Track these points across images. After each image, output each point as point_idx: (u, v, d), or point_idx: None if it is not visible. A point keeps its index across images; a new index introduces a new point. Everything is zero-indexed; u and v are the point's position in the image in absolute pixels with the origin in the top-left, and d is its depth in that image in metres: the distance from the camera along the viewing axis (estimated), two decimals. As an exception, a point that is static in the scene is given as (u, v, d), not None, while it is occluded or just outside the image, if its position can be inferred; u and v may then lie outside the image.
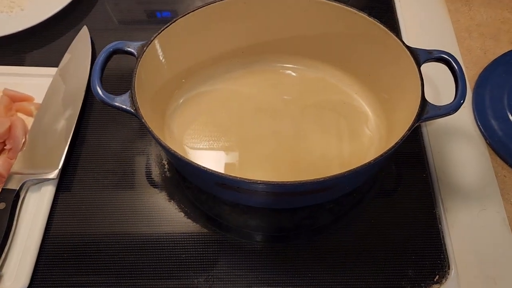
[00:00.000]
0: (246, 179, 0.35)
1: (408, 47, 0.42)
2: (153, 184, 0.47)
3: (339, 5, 0.45)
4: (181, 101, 0.50)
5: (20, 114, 0.50)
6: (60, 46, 0.56)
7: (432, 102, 0.39)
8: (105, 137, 0.49)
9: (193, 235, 0.44)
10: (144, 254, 0.43)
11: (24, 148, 0.46)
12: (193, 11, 0.44)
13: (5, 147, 0.47)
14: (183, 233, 0.44)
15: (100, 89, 0.40)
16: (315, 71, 0.52)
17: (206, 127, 0.48)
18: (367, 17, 0.44)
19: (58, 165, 0.45)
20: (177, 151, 0.45)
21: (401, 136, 0.37)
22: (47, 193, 0.45)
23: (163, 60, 0.45)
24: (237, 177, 0.35)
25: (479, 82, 0.51)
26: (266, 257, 0.42)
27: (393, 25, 0.57)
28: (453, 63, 0.40)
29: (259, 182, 0.35)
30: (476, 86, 0.51)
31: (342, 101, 0.50)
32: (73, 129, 0.48)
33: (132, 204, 0.45)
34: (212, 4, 0.45)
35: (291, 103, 0.50)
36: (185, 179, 0.47)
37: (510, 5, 0.57)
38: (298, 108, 0.50)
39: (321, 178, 0.35)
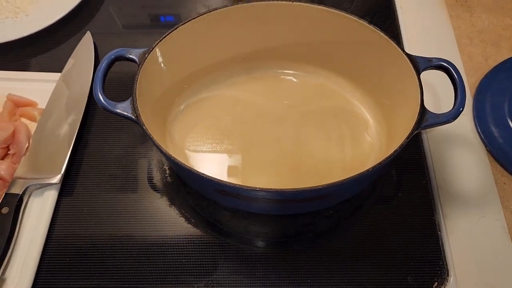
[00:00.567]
0: (245, 186, 0.35)
1: (408, 55, 0.42)
2: (154, 189, 0.47)
3: (340, 12, 0.45)
4: (182, 107, 0.50)
5: (23, 119, 0.50)
6: (64, 51, 0.56)
7: (432, 109, 0.39)
8: (107, 142, 0.50)
9: (193, 240, 0.44)
10: (145, 259, 0.43)
11: (27, 153, 0.47)
12: (194, 18, 0.45)
13: (8, 152, 0.47)
14: (184, 238, 0.44)
15: (102, 96, 0.40)
16: (316, 77, 0.52)
17: (208, 133, 0.49)
18: (367, 24, 0.44)
19: (61, 170, 0.46)
20: (178, 156, 0.46)
21: (400, 144, 0.37)
22: (50, 197, 0.45)
23: (164, 67, 0.46)
24: (236, 184, 0.36)
25: (479, 89, 0.51)
26: (266, 263, 0.43)
27: (394, 31, 0.57)
28: (453, 71, 0.41)
29: (258, 189, 0.35)
30: (477, 93, 0.51)
31: (343, 107, 0.50)
32: (75, 134, 0.48)
33: (133, 208, 0.46)
34: (213, 12, 0.45)
35: (292, 109, 0.50)
36: (186, 185, 0.47)
37: (512, 12, 0.57)
38: (299, 114, 0.50)
39: (320, 185, 0.35)
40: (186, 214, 0.46)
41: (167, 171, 0.48)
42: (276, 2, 0.46)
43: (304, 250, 0.43)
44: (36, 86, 0.53)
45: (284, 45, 0.50)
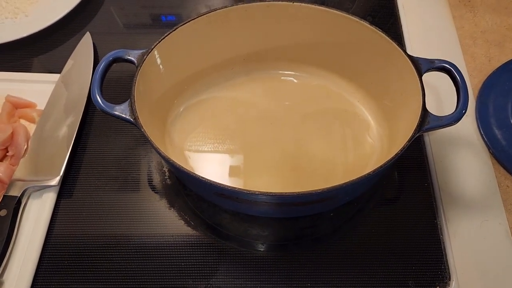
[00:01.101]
0: (244, 190, 0.35)
1: (409, 56, 0.41)
2: (153, 191, 0.47)
3: (341, 13, 0.45)
4: (182, 108, 0.50)
5: (22, 121, 0.50)
6: (64, 52, 0.56)
7: (435, 111, 0.39)
8: (106, 143, 0.50)
9: (193, 243, 0.44)
10: (144, 261, 0.43)
11: (26, 155, 0.46)
12: (193, 19, 0.44)
13: (7, 154, 0.47)
14: (183, 241, 0.44)
15: (100, 98, 0.40)
16: (317, 78, 0.51)
17: (207, 134, 0.48)
18: (368, 25, 0.44)
19: (60, 172, 0.46)
20: (177, 158, 0.46)
21: (401, 146, 0.37)
22: (49, 199, 0.45)
23: (163, 68, 0.45)
24: (235, 188, 0.35)
25: (482, 90, 0.50)
26: (266, 266, 0.42)
27: (396, 31, 0.57)
28: (455, 73, 0.40)
29: (257, 193, 0.35)
30: (480, 94, 0.50)
31: (344, 109, 0.50)
32: (74, 135, 0.48)
33: (132, 211, 0.46)
34: (212, 12, 0.45)
35: (293, 111, 0.50)
36: (185, 187, 0.47)
37: (516, 12, 0.56)
38: (299, 115, 0.50)
39: (320, 189, 0.35)
40: (186, 217, 0.45)
41: (167, 173, 0.48)
42: (277, 2, 0.46)
43: (305, 254, 0.43)
44: (35, 87, 0.52)
45: (285, 46, 0.50)
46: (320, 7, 0.45)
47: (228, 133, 0.48)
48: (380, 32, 0.43)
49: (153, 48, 0.43)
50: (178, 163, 0.37)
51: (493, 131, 0.48)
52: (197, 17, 0.45)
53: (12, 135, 0.47)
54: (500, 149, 0.47)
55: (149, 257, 0.43)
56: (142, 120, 0.39)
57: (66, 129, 0.48)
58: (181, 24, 0.44)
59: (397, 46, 0.42)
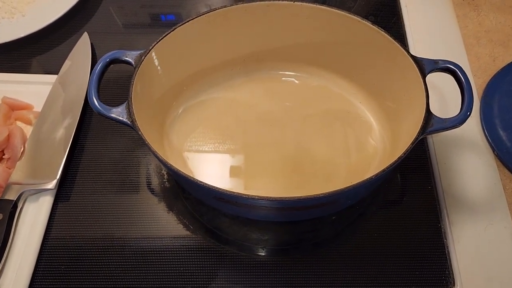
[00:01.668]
0: (243, 194, 0.34)
1: (413, 57, 0.40)
2: (152, 194, 0.46)
3: (342, 12, 0.44)
4: (181, 109, 0.49)
5: (19, 123, 0.49)
6: (61, 53, 0.55)
7: (439, 112, 0.38)
8: (104, 146, 0.49)
9: (192, 247, 0.43)
10: (143, 266, 0.42)
11: (23, 158, 0.46)
12: (192, 19, 0.44)
13: (3, 157, 0.46)
14: (182, 245, 0.43)
15: (97, 100, 0.39)
16: (318, 79, 0.51)
17: (206, 136, 0.47)
18: (370, 25, 0.43)
19: (56, 175, 0.45)
20: (176, 160, 0.46)
21: (404, 150, 0.36)
22: (45, 203, 0.44)
23: (162, 69, 0.44)
24: (234, 192, 0.34)
25: (487, 91, 0.49)
26: (266, 271, 0.41)
27: (399, 31, 0.56)
28: (459, 74, 0.39)
29: (256, 197, 0.34)
30: (484, 94, 0.49)
31: (345, 110, 0.49)
32: (71, 138, 0.47)
33: (131, 215, 0.45)
34: (211, 12, 0.44)
35: (294, 112, 0.49)
36: (184, 190, 0.46)
37: (521, 10, 0.55)
38: (301, 116, 0.49)
39: (321, 194, 0.34)
40: (185, 220, 0.45)
41: (165, 176, 0.47)
42: (277, 2, 0.45)
43: (306, 258, 0.42)
44: (32, 89, 0.51)
45: (285, 46, 0.49)
46: (321, 7, 0.44)
47: (228, 134, 0.47)
48: (382, 32, 0.42)
49: (151, 49, 0.42)
50: (176, 167, 0.36)
51: (498, 132, 0.47)
52: (195, 17, 0.44)
53: (8, 137, 0.46)
54: (505, 151, 0.46)
55: (147, 261, 0.42)
56: (140, 122, 0.39)
57: (63, 131, 0.48)
58: (180, 24, 0.43)
59: (400, 46, 0.41)
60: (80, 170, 0.47)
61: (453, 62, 0.40)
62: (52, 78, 0.52)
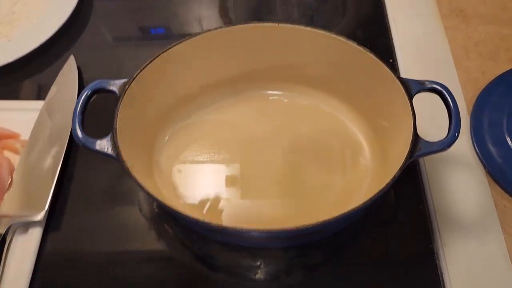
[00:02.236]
0: (229, 227, 0.34)
1: (399, 78, 0.40)
2: (142, 221, 0.46)
3: (328, 34, 0.43)
4: (169, 133, 0.48)
5: (6, 152, 0.49)
6: (49, 77, 0.54)
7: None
8: (93, 173, 0.48)
9: (182, 275, 0.43)
10: (133, 296, 0.42)
11: (11, 189, 0.45)
12: (175, 45, 0.43)
13: (-9, 188, 0.46)
14: (172, 272, 0.43)
15: (81, 132, 0.39)
16: (307, 97, 0.50)
17: (195, 159, 0.47)
18: (357, 46, 0.42)
19: (45, 206, 0.44)
20: (165, 186, 0.45)
21: (392, 176, 0.36)
22: (34, 235, 0.44)
23: (147, 96, 0.44)
24: (219, 225, 0.34)
25: (476, 106, 0.49)
26: (257, 298, 0.41)
27: (387, 45, 0.55)
28: (446, 95, 0.39)
29: (244, 230, 0.34)
30: (474, 109, 0.49)
31: (335, 129, 0.49)
32: (59, 166, 0.47)
33: (121, 243, 0.44)
34: (194, 37, 0.44)
35: (283, 131, 0.49)
36: (174, 216, 0.46)
37: (509, 21, 0.55)
38: (290, 136, 0.49)
39: (307, 224, 0.33)
40: (175, 247, 0.44)
41: (155, 202, 0.47)
42: (262, 24, 0.44)
43: (298, 284, 0.42)
44: (18, 116, 0.51)
45: (273, 66, 0.49)
46: (306, 28, 0.44)
47: (216, 158, 0.47)
48: (369, 53, 0.42)
49: (135, 77, 0.41)
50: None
51: (488, 148, 0.46)
52: (179, 43, 0.43)
53: (-5, 168, 0.46)
54: (496, 167, 0.45)
55: (138, 291, 0.42)
56: (126, 153, 0.38)
57: (51, 160, 0.47)
58: (163, 51, 0.43)
59: (386, 67, 0.41)
60: (70, 199, 0.47)
61: (440, 83, 0.39)
62: (39, 104, 0.51)
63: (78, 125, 0.38)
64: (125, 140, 0.40)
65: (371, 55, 0.42)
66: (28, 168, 0.47)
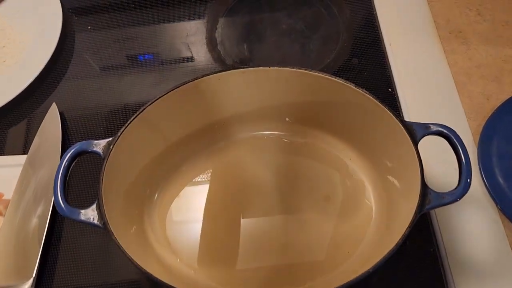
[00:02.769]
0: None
1: (402, 122, 0.37)
2: (133, 285, 0.43)
3: (322, 75, 0.41)
4: (162, 183, 0.46)
5: (-11, 215, 0.46)
6: (31, 127, 0.52)
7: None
8: (82, 232, 0.46)
9: None
10: None
11: (-5, 256, 0.43)
12: (161, 96, 0.40)
13: (-26, 257, 0.43)
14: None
15: (63, 202, 0.36)
16: (304, 136, 0.48)
17: (190, 211, 0.45)
18: (354, 87, 0.40)
19: (32, 274, 0.42)
20: (160, 245, 0.43)
21: (401, 235, 0.33)
22: (22, 305, 0.41)
23: (135, 153, 0.41)
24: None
25: (483, 136, 0.46)
26: None
27: (384, 73, 0.52)
28: (455, 140, 0.36)
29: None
30: (481, 140, 0.46)
31: (335, 169, 0.46)
32: (46, 228, 0.44)
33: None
34: (181, 87, 0.41)
35: (280, 174, 0.46)
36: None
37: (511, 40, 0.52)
38: (287, 179, 0.46)
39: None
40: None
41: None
42: (252, 68, 0.42)
43: None
44: (0, 173, 0.48)
45: (266, 106, 0.46)
46: (300, 70, 0.41)
47: (211, 210, 0.45)
48: (368, 95, 0.39)
49: (119, 136, 0.39)
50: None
51: (498, 182, 0.44)
52: (165, 94, 0.41)
53: (-23, 235, 0.43)
54: (509, 203, 0.43)
55: None
56: (114, 219, 0.36)
57: (37, 220, 0.45)
58: (149, 103, 0.40)
59: (388, 111, 0.38)
60: (58, 262, 0.44)
61: (446, 126, 0.37)
62: (21, 159, 0.48)
63: (61, 196, 0.36)
64: (112, 204, 0.37)
65: (371, 97, 0.39)
66: (12, 232, 0.44)
